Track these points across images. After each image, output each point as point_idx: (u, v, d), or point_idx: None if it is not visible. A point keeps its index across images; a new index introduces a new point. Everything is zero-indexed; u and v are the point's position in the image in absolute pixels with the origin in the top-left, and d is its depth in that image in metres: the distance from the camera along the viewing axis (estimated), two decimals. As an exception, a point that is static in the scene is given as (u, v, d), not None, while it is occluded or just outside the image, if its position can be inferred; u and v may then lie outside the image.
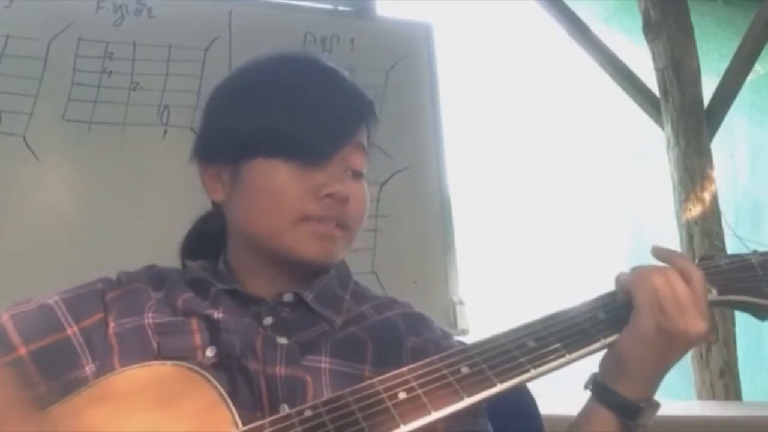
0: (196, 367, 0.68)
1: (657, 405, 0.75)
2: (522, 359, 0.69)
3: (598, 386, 0.76)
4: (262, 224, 0.80)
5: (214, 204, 0.89)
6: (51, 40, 1.73)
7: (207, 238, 0.90)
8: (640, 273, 0.74)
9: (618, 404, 0.74)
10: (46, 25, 1.74)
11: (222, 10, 1.91)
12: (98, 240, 1.63)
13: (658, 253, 0.77)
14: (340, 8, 2.08)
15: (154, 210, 1.69)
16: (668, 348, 0.72)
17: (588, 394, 0.78)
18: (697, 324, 0.72)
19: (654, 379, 0.74)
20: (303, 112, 0.80)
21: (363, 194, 0.84)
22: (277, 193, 0.79)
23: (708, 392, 2.87)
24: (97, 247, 1.62)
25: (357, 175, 0.83)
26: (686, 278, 0.73)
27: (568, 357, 0.70)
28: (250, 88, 0.84)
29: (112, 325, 0.77)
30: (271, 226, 0.79)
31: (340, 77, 0.86)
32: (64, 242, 1.63)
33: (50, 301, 0.79)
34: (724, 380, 2.85)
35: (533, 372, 0.68)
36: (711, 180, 3.01)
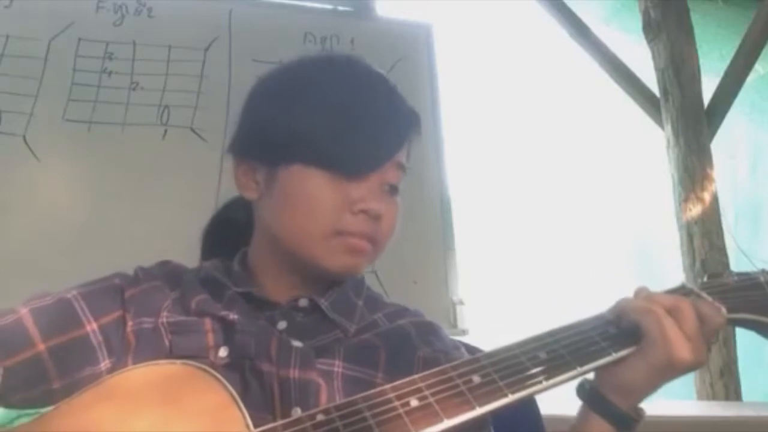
0: (206, 367, 0.68)
1: (645, 414, 0.76)
2: (533, 371, 0.68)
3: (595, 398, 0.76)
4: (293, 230, 0.79)
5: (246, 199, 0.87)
6: (51, 40, 1.73)
7: (231, 227, 0.90)
8: (647, 306, 0.74)
9: (618, 417, 0.74)
10: (46, 25, 1.73)
11: (222, 10, 1.90)
12: (98, 240, 1.63)
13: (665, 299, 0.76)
14: (340, 8, 2.08)
15: (154, 210, 1.69)
16: (672, 374, 0.73)
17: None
18: (702, 355, 0.73)
19: (648, 395, 0.76)
20: (348, 124, 0.79)
21: (396, 211, 0.83)
22: (312, 203, 0.78)
23: (708, 392, 2.87)
24: (97, 247, 1.61)
25: (393, 190, 0.83)
26: (699, 316, 0.74)
27: (579, 369, 0.70)
28: (297, 89, 0.83)
29: (130, 323, 0.77)
30: (302, 234, 0.79)
31: (389, 89, 0.85)
32: (64, 242, 1.62)
33: (69, 296, 0.78)
34: (724, 380, 2.85)
35: (545, 384, 0.68)
36: (711, 180, 3.01)
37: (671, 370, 0.72)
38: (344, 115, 0.79)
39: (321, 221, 0.78)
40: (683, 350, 0.71)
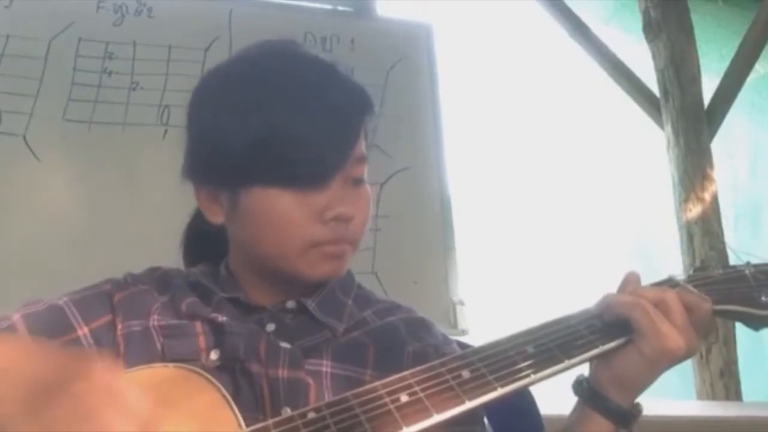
0: (198, 369, 0.68)
1: (642, 409, 0.76)
2: (522, 364, 0.69)
3: (593, 395, 0.76)
4: (268, 251, 0.78)
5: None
6: (51, 40, 1.73)
7: (208, 238, 0.89)
8: (634, 300, 0.73)
9: (617, 413, 0.74)
10: (46, 25, 1.74)
11: (222, 10, 1.91)
12: (98, 240, 1.63)
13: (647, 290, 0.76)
14: (340, 8, 2.08)
15: (154, 210, 1.69)
16: (667, 365, 0.73)
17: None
18: (694, 343, 0.73)
19: (646, 388, 0.75)
20: (296, 135, 0.75)
21: (365, 202, 0.81)
22: (281, 222, 0.76)
23: (708, 392, 2.87)
24: (96, 247, 1.62)
25: (358, 182, 0.81)
26: (686, 306, 0.74)
27: (567, 363, 0.71)
28: (237, 102, 0.78)
29: (119, 327, 0.77)
30: (279, 254, 0.78)
31: (332, 79, 0.80)
32: (63, 242, 1.63)
33: (60, 302, 0.79)
34: (724, 380, 2.85)
35: (533, 377, 0.69)
36: (711, 180, 3.01)
37: (665, 360, 0.72)
38: (293, 125, 0.75)
39: (294, 239, 0.76)
40: (675, 340, 0.71)
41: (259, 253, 0.79)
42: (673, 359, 0.72)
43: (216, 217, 0.82)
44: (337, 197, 0.77)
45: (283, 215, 0.76)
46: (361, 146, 0.81)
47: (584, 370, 0.77)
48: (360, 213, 0.80)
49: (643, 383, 0.74)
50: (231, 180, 0.78)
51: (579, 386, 0.77)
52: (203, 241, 0.90)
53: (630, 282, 0.78)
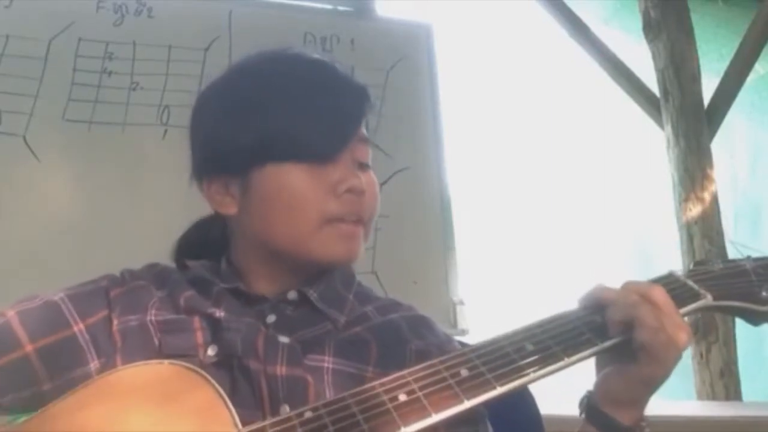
0: (194, 366, 0.68)
1: (648, 424, 0.75)
2: (521, 363, 0.68)
3: (597, 414, 0.74)
4: (284, 232, 0.79)
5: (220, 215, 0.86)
6: (51, 40, 1.74)
7: (206, 244, 0.89)
8: (635, 298, 0.71)
9: (617, 430, 0.73)
10: (46, 25, 1.74)
11: (222, 10, 1.91)
12: (98, 240, 1.64)
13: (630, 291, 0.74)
14: (340, 8, 2.08)
15: (154, 210, 1.69)
16: (673, 362, 0.71)
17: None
18: (685, 341, 0.71)
19: (648, 400, 0.75)
20: (306, 111, 0.79)
21: (375, 185, 0.83)
22: (296, 197, 0.78)
23: (708, 392, 2.87)
24: (96, 247, 1.62)
25: (364, 167, 0.83)
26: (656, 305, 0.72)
27: (566, 360, 0.70)
28: (244, 93, 0.82)
29: (115, 322, 0.77)
30: (294, 233, 0.78)
31: (333, 69, 0.85)
32: (63, 242, 1.63)
33: (56, 298, 0.78)
34: (724, 380, 2.85)
35: (532, 375, 0.68)
36: (711, 180, 3.01)
37: (673, 356, 0.70)
38: (300, 104, 0.79)
39: (309, 213, 0.78)
40: (682, 332, 0.70)
41: (273, 236, 0.80)
42: (680, 350, 0.70)
43: (228, 208, 0.83)
44: (349, 172, 0.80)
45: (297, 190, 0.78)
46: (364, 130, 0.84)
47: (589, 378, 0.77)
48: (371, 192, 0.82)
49: (643, 397, 0.73)
50: (244, 160, 0.80)
51: (582, 403, 0.76)
52: (201, 247, 0.89)
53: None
